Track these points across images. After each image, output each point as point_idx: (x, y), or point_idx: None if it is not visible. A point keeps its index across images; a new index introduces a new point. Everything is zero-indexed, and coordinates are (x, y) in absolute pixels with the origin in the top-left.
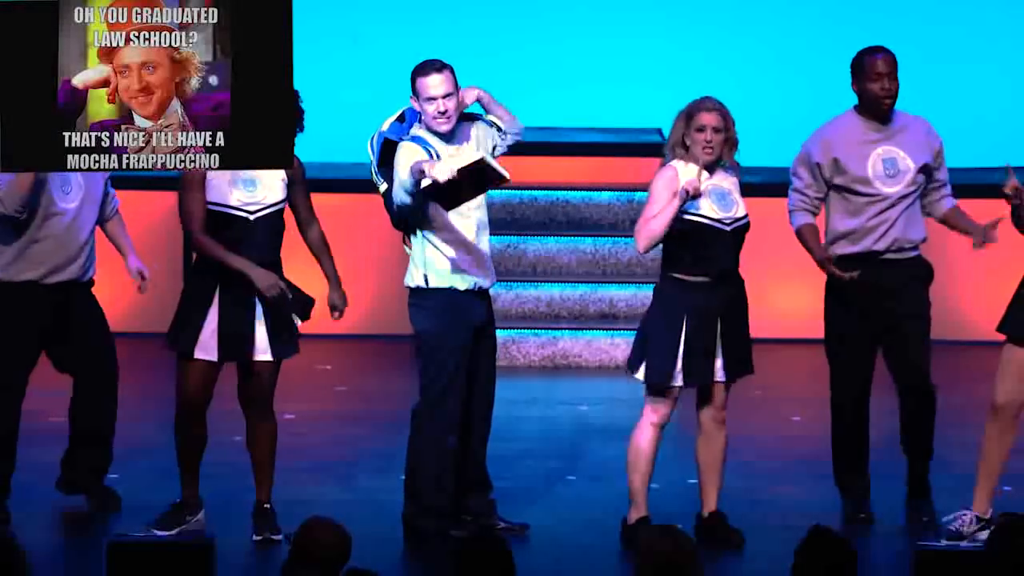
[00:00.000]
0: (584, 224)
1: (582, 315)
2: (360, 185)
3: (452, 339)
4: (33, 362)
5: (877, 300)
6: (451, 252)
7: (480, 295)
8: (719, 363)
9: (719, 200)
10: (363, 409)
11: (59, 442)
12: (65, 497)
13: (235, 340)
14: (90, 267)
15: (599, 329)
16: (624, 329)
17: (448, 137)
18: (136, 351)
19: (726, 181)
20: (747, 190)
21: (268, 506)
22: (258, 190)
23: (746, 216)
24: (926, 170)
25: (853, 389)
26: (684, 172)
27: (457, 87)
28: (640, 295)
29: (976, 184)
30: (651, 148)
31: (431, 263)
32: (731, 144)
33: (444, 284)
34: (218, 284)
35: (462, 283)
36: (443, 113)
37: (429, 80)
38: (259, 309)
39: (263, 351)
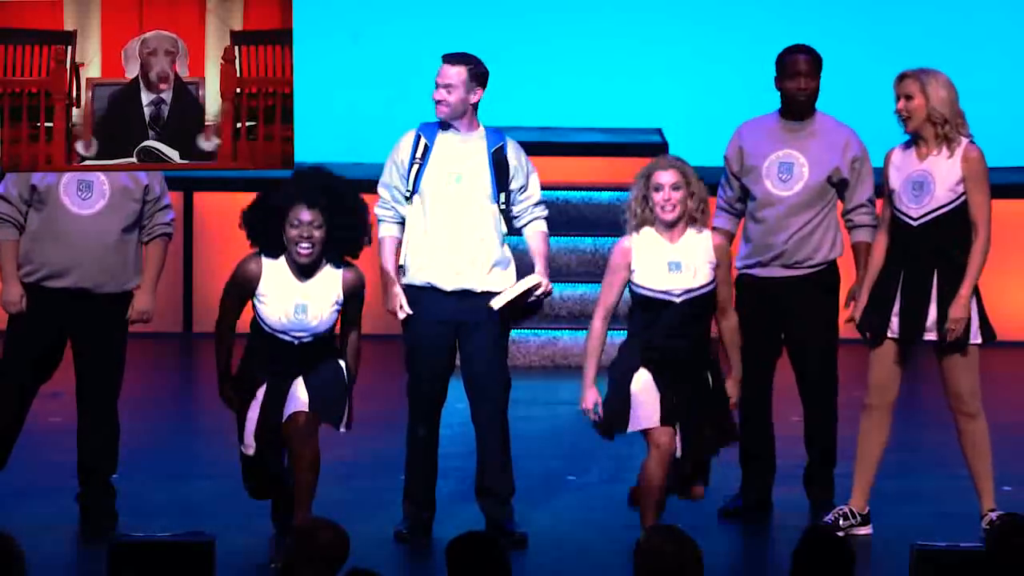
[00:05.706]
0: (584, 224)
1: (582, 315)
2: (361, 185)
3: (409, 336)
4: (37, 363)
5: (776, 317)
6: (414, 249)
7: (446, 294)
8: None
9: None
10: (363, 409)
11: (59, 442)
12: (65, 497)
13: (273, 434)
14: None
15: None
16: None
17: (458, 131)
18: (136, 351)
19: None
20: None
21: None
22: (308, 315)
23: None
24: (834, 182)
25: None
26: (639, 243)
27: (466, 86)
28: None
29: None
30: (651, 148)
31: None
32: (697, 201)
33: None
34: (265, 383)
35: (417, 279)
36: (439, 101)
37: (442, 68)
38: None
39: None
